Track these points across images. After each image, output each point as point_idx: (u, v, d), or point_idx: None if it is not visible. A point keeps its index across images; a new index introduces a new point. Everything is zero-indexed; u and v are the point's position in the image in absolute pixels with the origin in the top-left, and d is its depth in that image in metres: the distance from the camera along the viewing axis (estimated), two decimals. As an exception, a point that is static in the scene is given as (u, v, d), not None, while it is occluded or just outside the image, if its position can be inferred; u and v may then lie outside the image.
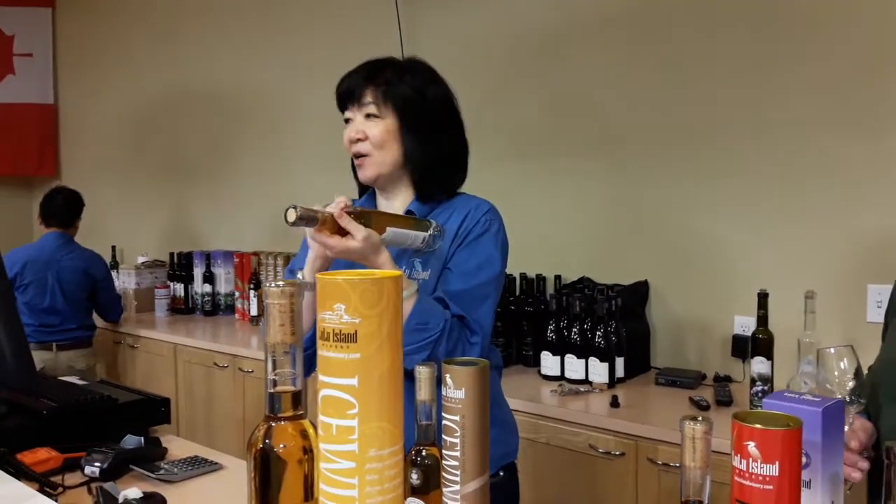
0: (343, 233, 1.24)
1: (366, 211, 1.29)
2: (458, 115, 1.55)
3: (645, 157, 2.60)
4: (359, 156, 1.45)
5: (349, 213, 1.24)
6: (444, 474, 0.79)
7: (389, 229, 1.29)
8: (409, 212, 1.48)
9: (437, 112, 1.48)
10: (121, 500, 1.27)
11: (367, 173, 1.45)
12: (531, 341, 2.59)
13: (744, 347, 2.30)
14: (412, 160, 1.45)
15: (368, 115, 1.43)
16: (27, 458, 1.45)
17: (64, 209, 3.62)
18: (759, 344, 2.03)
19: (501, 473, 1.52)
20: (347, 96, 1.46)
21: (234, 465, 1.55)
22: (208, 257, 3.84)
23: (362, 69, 1.47)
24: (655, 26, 2.56)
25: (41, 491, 1.32)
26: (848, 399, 1.13)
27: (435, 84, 1.49)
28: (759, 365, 2.02)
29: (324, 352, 0.67)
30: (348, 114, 1.47)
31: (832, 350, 1.15)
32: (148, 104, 4.51)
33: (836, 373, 1.13)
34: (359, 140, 1.43)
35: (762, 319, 2.04)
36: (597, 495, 2.05)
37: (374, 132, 1.43)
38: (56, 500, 1.31)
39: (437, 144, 1.47)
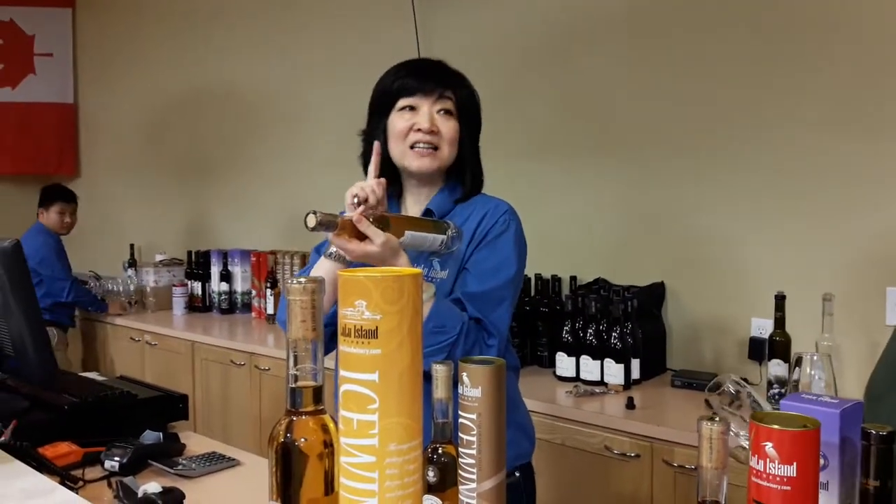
0: (362, 237, 1.25)
1: (384, 215, 1.30)
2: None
3: (661, 157, 2.59)
4: (426, 144, 1.45)
5: (368, 218, 1.25)
6: (460, 472, 0.79)
7: (408, 233, 1.30)
8: (428, 211, 1.49)
9: (479, 125, 1.57)
10: (140, 495, 1.29)
11: (430, 164, 1.46)
12: (546, 342, 2.59)
13: (761, 350, 2.29)
14: (464, 162, 1.51)
15: (442, 111, 1.46)
16: (49, 451, 1.47)
17: None
18: (776, 346, 2.02)
19: (517, 474, 1.52)
20: (424, 88, 1.46)
21: (251, 462, 1.56)
22: (225, 256, 3.87)
23: (435, 68, 1.50)
24: (670, 26, 2.55)
25: (62, 484, 1.34)
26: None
27: (478, 101, 1.57)
28: (776, 367, 2.01)
29: (345, 347, 0.68)
30: (413, 101, 1.46)
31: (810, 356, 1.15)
32: (166, 103, 4.55)
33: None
34: (432, 132, 1.45)
35: (779, 322, 2.04)
36: (612, 497, 2.05)
37: (449, 128, 1.46)
38: (77, 493, 1.33)
39: (477, 153, 1.56)
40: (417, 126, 1.44)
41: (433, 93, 1.45)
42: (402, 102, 1.47)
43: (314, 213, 1.17)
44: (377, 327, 0.66)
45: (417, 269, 0.70)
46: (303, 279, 0.70)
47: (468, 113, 1.51)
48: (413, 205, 1.53)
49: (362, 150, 1.54)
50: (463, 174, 1.52)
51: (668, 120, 2.57)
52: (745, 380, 2.33)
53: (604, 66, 2.72)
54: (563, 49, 2.82)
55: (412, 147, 1.45)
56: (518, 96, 2.94)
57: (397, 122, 1.46)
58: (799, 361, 1.20)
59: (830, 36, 2.24)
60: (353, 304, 0.66)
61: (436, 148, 1.45)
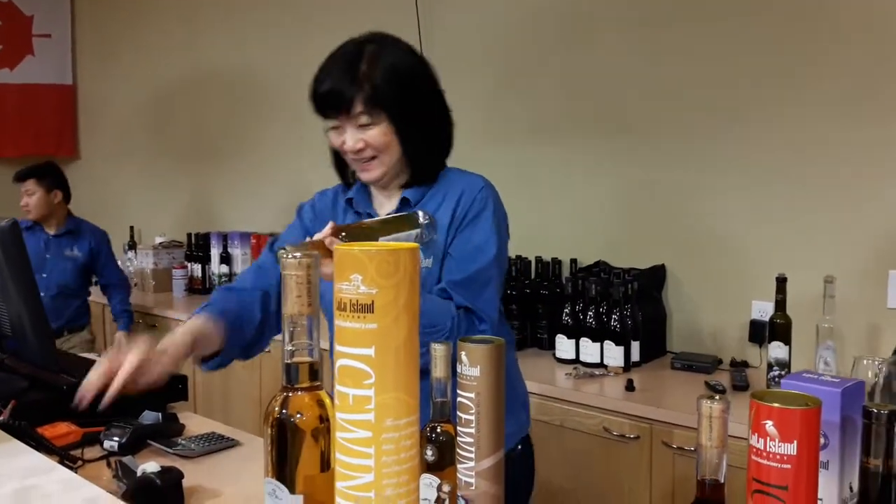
0: None
1: (352, 227, 1.28)
2: (436, 86, 1.49)
3: (662, 141, 2.57)
4: (364, 160, 1.41)
5: (339, 236, 1.22)
6: (458, 451, 0.79)
7: (382, 239, 1.27)
8: (404, 199, 1.45)
9: (422, 98, 1.43)
10: (139, 474, 1.29)
11: (373, 175, 1.42)
12: (546, 324, 2.58)
13: (761, 332, 2.29)
14: (413, 155, 1.43)
15: (361, 126, 1.38)
16: (48, 431, 1.47)
17: None
18: (776, 329, 2.02)
19: (519, 447, 1.53)
20: (331, 105, 1.39)
21: (251, 442, 1.56)
22: (225, 238, 3.86)
23: (337, 69, 1.39)
24: (674, 9, 2.52)
25: (61, 464, 1.34)
26: None
27: (410, 64, 1.43)
28: (776, 350, 2.01)
29: (341, 322, 0.67)
30: (335, 122, 1.40)
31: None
32: (166, 85, 4.52)
33: None
34: (360, 150, 1.39)
35: (780, 304, 2.03)
36: (611, 478, 2.05)
37: (374, 137, 1.38)
38: (76, 473, 1.33)
39: (430, 129, 1.45)
40: (345, 148, 1.40)
41: (347, 110, 1.37)
42: (326, 121, 1.43)
43: (283, 249, 1.14)
44: (373, 301, 0.65)
45: (414, 244, 0.69)
46: (298, 254, 0.70)
47: (391, 101, 1.37)
48: (386, 199, 1.51)
49: (329, 145, 1.49)
50: (414, 164, 1.45)
51: (671, 103, 2.55)
52: (745, 362, 2.34)
53: (607, 50, 2.70)
54: (567, 33, 2.80)
55: (352, 162, 1.44)
56: (521, 80, 2.92)
57: (331, 138, 1.43)
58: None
59: (837, 20, 2.21)
60: (349, 279, 0.65)
61: (374, 157, 1.40)
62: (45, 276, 3.42)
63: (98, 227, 3.69)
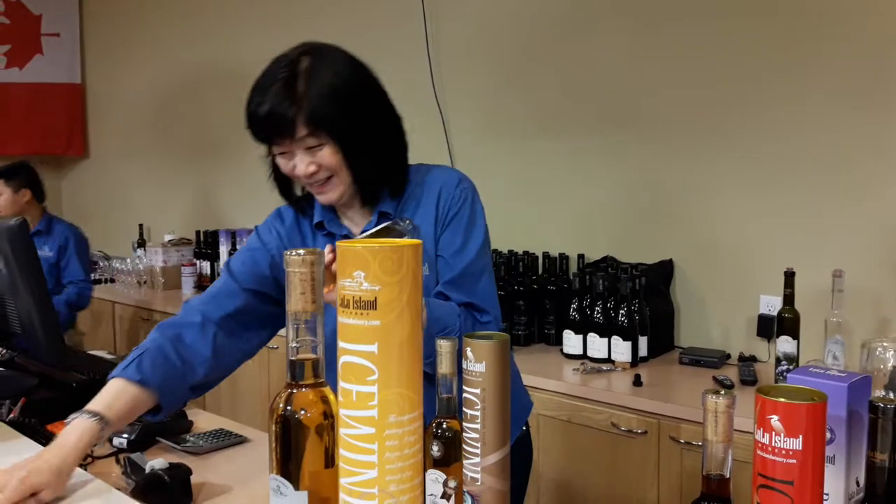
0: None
1: None
2: (379, 92, 1.39)
3: (669, 135, 2.56)
4: (319, 183, 1.34)
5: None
6: (464, 447, 0.79)
7: None
8: (382, 213, 1.40)
9: (365, 112, 1.33)
10: (148, 470, 1.30)
11: (333, 196, 1.35)
12: (554, 320, 2.58)
13: (769, 327, 2.28)
14: (362, 178, 1.35)
15: (309, 148, 1.30)
16: (57, 428, 1.48)
17: None
18: (785, 323, 2.01)
19: (525, 427, 1.54)
20: (274, 131, 1.30)
21: (259, 438, 1.57)
22: (233, 235, 3.87)
23: (274, 90, 1.29)
24: (681, 6, 2.51)
25: (71, 460, 1.34)
26: None
27: (348, 78, 1.33)
28: (784, 344, 2.00)
29: (344, 319, 0.67)
30: (279, 148, 1.33)
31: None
32: (174, 83, 4.53)
33: None
34: (313, 173, 1.32)
35: (788, 298, 2.02)
36: (618, 473, 2.05)
37: (325, 159, 1.31)
38: (85, 469, 1.34)
39: (378, 144, 1.36)
40: (297, 173, 1.33)
41: (291, 135, 1.29)
42: (272, 149, 1.35)
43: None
44: (376, 298, 0.66)
45: (417, 241, 0.69)
46: (302, 251, 0.70)
47: (336, 119, 1.29)
48: (357, 215, 1.44)
49: (270, 173, 1.44)
50: (373, 180, 1.37)
51: (677, 97, 2.54)
52: (754, 357, 2.33)
53: (612, 45, 2.69)
54: (571, 28, 2.79)
55: (308, 187, 1.37)
56: (527, 76, 2.91)
57: (280, 163, 1.35)
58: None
59: (844, 14, 2.20)
60: (352, 276, 0.65)
61: (329, 178, 1.34)
62: None
63: (73, 225, 3.66)
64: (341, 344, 0.67)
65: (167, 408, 1.34)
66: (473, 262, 1.37)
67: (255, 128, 1.33)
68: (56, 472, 1.13)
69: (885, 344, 1.06)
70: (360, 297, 0.66)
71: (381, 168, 1.37)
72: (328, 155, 1.31)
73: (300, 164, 1.31)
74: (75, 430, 1.18)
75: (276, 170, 1.41)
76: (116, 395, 1.26)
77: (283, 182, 1.44)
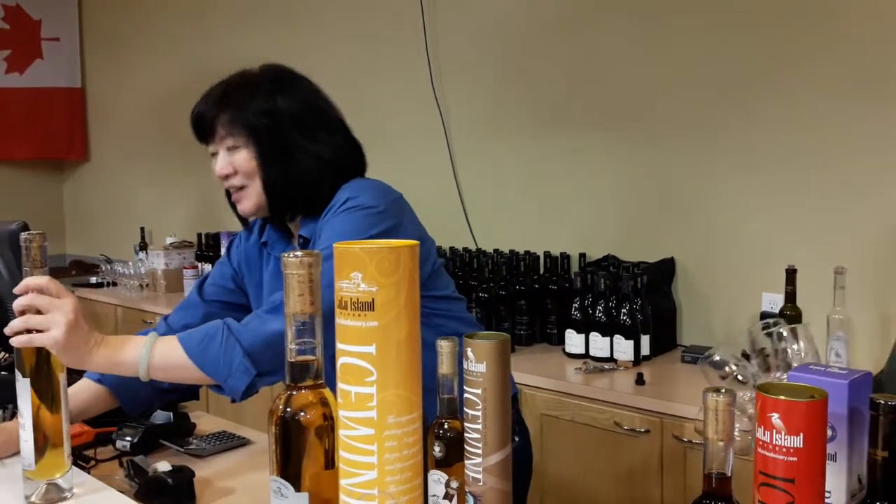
0: None
1: None
2: (325, 119, 1.40)
3: (670, 133, 2.56)
4: (233, 189, 1.37)
5: None
6: (466, 447, 0.79)
7: None
8: (301, 237, 1.39)
9: (291, 128, 1.34)
10: (151, 473, 1.30)
11: (245, 206, 1.36)
12: (555, 319, 2.58)
13: (772, 325, 2.27)
14: (271, 186, 1.34)
15: (229, 148, 1.35)
16: (59, 431, 1.48)
17: None
18: (787, 321, 2.00)
19: (517, 438, 1.52)
20: (200, 129, 1.37)
21: (262, 440, 1.57)
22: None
23: (208, 98, 1.38)
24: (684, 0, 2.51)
25: (74, 464, 1.34)
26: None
27: (288, 95, 1.37)
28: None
29: (341, 320, 0.67)
30: (212, 148, 1.39)
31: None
32: (175, 86, 4.54)
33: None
34: (228, 175, 1.35)
35: (790, 296, 2.02)
36: (622, 472, 2.05)
37: (240, 163, 1.34)
38: (89, 473, 1.34)
39: (292, 164, 1.34)
40: (218, 174, 1.38)
41: (212, 132, 1.35)
42: (209, 150, 1.41)
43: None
44: (373, 299, 0.66)
45: (415, 241, 0.69)
46: (300, 253, 0.70)
47: (254, 125, 1.33)
48: (294, 232, 1.45)
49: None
50: (272, 196, 1.35)
51: (678, 95, 2.53)
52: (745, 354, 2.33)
53: (612, 41, 2.68)
54: (571, 23, 2.79)
55: (228, 196, 1.40)
56: (527, 72, 2.91)
57: (213, 166, 1.41)
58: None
59: (847, 9, 2.19)
60: (349, 277, 0.65)
61: (244, 186, 1.36)
62: None
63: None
64: (339, 345, 0.67)
65: (127, 405, 1.44)
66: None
67: (194, 116, 1.41)
68: None
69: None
70: (358, 299, 0.66)
71: (294, 183, 1.34)
72: (243, 159, 1.34)
73: (219, 164, 1.37)
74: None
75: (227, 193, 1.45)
76: (76, 391, 1.40)
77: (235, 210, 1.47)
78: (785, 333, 1.06)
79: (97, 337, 1.21)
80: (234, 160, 1.35)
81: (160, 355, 1.22)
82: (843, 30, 2.19)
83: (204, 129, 1.37)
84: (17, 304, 1.14)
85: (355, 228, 1.26)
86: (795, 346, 1.07)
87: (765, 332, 1.07)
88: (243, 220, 1.49)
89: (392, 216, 1.31)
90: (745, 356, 1.07)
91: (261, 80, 1.38)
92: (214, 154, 1.39)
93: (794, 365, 1.04)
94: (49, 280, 1.15)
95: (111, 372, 1.26)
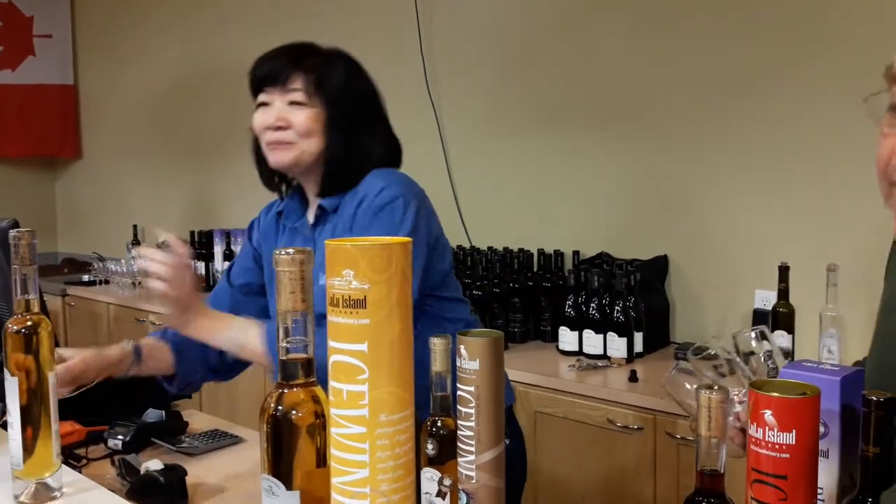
0: None
1: None
2: (382, 112, 1.47)
3: (664, 131, 2.56)
4: (278, 142, 1.38)
5: None
6: (459, 444, 0.79)
7: None
8: (321, 207, 1.42)
9: (362, 106, 1.41)
10: (142, 472, 1.29)
11: (284, 157, 1.37)
12: (549, 317, 2.58)
13: (764, 321, 2.28)
14: (331, 154, 1.38)
15: (293, 103, 1.36)
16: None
17: None
18: (780, 318, 2.01)
19: (507, 441, 1.51)
20: (268, 79, 1.38)
21: (254, 439, 1.56)
22: (228, 235, 3.86)
23: (285, 52, 1.40)
24: (678, 0, 2.51)
25: (66, 463, 1.34)
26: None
27: (363, 78, 1.44)
28: (779, 339, 2.00)
29: (333, 318, 0.67)
30: (265, 97, 1.39)
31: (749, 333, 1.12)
32: (167, 82, 4.52)
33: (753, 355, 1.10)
34: (280, 128, 1.36)
35: (783, 293, 2.02)
36: (615, 469, 2.05)
37: (300, 120, 1.35)
38: (80, 472, 1.34)
39: (357, 139, 1.40)
40: (266, 123, 1.37)
41: (278, 83, 1.36)
42: (258, 98, 1.41)
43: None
44: (365, 297, 0.65)
45: (407, 238, 0.69)
46: (291, 250, 0.69)
47: (334, 94, 1.37)
48: (313, 205, 1.47)
49: (252, 146, 1.50)
50: (327, 164, 1.39)
51: (672, 93, 2.54)
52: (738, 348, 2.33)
53: (607, 40, 2.68)
54: (567, 24, 2.79)
55: (267, 144, 1.40)
56: (521, 71, 2.91)
57: (255, 119, 1.42)
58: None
59: (843, 9, 2.20)
60: (341, 274, 0.65)
61: (291, 142, 1.37)
62: None
63: None
64: (331, 343, 0.67)
65: (182, 374, 1.51)
66: None
67: (255, 74, 1.41)
68: (81, 354, 1.40)
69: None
70: (350, 296, 0.65)
71: (351, 157, 1.39)
72: (306, 117, 1.35)
73: (273, 113, 1.36)
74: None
75: (255, 152, 1.48)
76: (149, 342, 1.52)
77: (266, 170, 1.49)
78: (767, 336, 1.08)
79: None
80: (294, 116, 1.36)
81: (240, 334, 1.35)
82: (840, 29, 2.20)
83: (272, 78, 1.37)
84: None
85: (390, 227, 1.33)
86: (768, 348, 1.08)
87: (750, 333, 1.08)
88: (267, 175, 1.51)
89: (420, 215, 1.37)
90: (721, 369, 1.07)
91: (337, 54, 1.43)
92: (263, 104, 1.40)
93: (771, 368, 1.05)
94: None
95: (212, 339, 1.37)
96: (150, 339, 1.53)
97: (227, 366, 1.53)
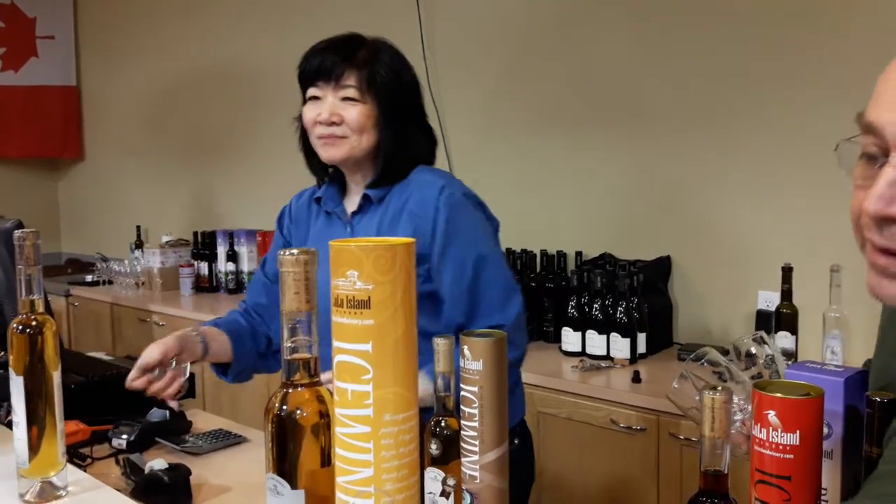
0: None
1: None
2: (422, 102, 1.51)
3: (667, 131, 2.56)
4: (330, 136, 1.40)
5: None
6: (463, 444, 0.79)
7: None
8: (365, 196, 1.45)
9: (410, 100, 1.45)
10: (147, 471, 1.30)
11: (337, 153, 1.40)
12: (552, 317, 2.58)
13: (767, 323, 2.28)
14: (384, 149, 1.41)
15: (346, 98, 1.38)
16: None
17: None
18: (783, 319, 2.01)
19: (516, 441, 1.52)
20: (321, 74, 1.39)
21: (258, 438, 1.57)
22: (231, 236, 3.87)
23: (337, 47, 1.41)
24: (679, 0, 2.51)
25: (70, 462, 1.34)
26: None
27: (408, 69, 1.46)
28: (783, 340, 2.00)
29: (338, 318, 0.67)
30: (317, 91, 1.41)
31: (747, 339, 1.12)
32: (170, 84, 4.53)
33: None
34: (333, 123, 1.38)
35: (786, 294, 2.02)
36: (618, 470, 2.05)
37: (353, 116, 1.38)
38: (85, 471, 1.34)
39: (406, 133, 1.44)
40: (319, 118, 1.39)
41: (331, 78, 1.38)
42: (308, 92, 1.43)
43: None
44: (369, 297, 0.66)
45: (411, 239, 0.69)
46: (295, 251, 0.70)
47: (384, 89, 1.40)
48: (355, 193, 1.50)
49: (298, 136, 1.52)
50: (379, 158, 1.43)
51: (675, 94, 2.54)
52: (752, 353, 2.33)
53: (609, 41, 2.68)
54: (569, 23, 2.79)
55: (319, 138, 1.41)
56: (524, 73, 2.91)
57: (305, 113, 1.44)
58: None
59: (844, 10, 2.19)
60: (345, 275, 0.65)
61: (343, 136, 1.39)
62: None
63: None
64: (336, 343, 0.67)
65: (238, 360, 1.55)
66: (483, 282, 1.38)
67: (308, 62, 1.42)
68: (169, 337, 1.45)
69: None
70: (354, 297, 0.66)
71: (402, 149, 1.43)
72: (358, 114, 1.38)
73: (327, 108, 1.38)
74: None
75: (303, 135, 1.50)
76: (207, 329, 1.54)
77: (313, 158, 1.50)
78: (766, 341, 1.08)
79: None
80: (347, 112, 1.38)
81: None
82: (843, 29, 2.20)
83: (325, 73, 1.39)
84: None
85: (482, 222, 1.43)
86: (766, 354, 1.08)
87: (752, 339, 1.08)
88: (320, 169, 1.53)
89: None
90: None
91: (384, 47, 1.44)
92: (313, 98, 1.42)
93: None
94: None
95: None
96: (205, 327, 1.55)
97: (272, 351, 1.60)
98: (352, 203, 1.50)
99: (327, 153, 1.41)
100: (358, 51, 1.40)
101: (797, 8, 2.27)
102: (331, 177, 1.53)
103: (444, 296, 1.40)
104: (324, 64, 1.38)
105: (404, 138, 1.43)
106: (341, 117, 1.38)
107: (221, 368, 1.57)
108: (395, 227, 1.41)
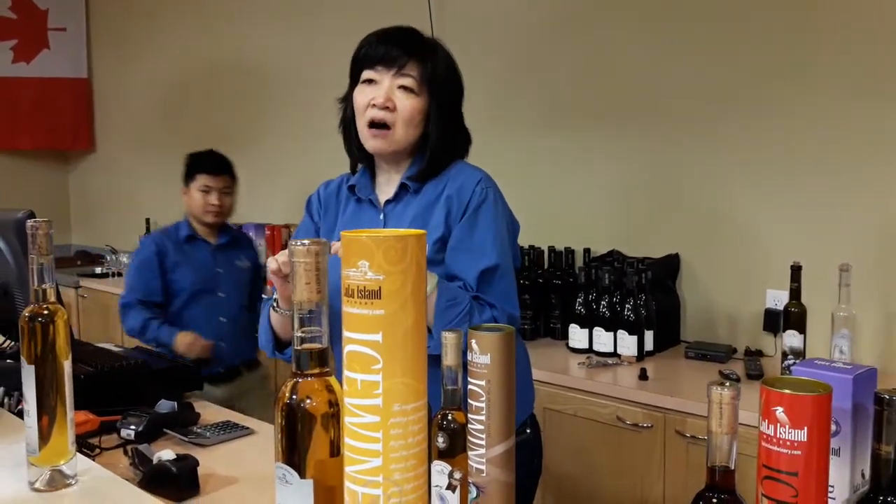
0: None
1: None
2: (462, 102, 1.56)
3: (676, 129, 2.55)
4: (379, 125, 1.40)
5: None
6: (469, 438, 0.80)
7: None
8: (403, 185, 1.47)
9: (458, 98, 1.50)
10: (155, 461, 1.30)
11: (383, 145, 1.42)
12: (559, 314, 2.58)
13: (776, 321, 2.27)
14: (433, 142, 1.44)
15: (403, 87, 1.40)
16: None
17: None
18: (791, 317, 2.00)
19: (528, 431, 1.53)
20: (384, 60, 1.40)
21: (265, 430, 1.58)
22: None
23: (400, 37, 1.43)
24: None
25: (79, 451, 1.36)
26: None
27: (457, 71, 1.50)
28: (791, 339, 1.99)
29: (348, 308, 0.67)
30: (374, 75, 1.41)
31: None
32: (180, 76, 4.54)
33: None
34: (386, 108, 1.39)
35: (795, 293, 2.01)
36: (624, 467, 2.05)
37: (407, 106, 1.40)
38: (94, 460, 1.35)
39: (451, 128, 1.48)
40: (374, 101, 1.40)
41: (393, 66, 1.39)
42: (364, 74, 1.43)
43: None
44: (380, 288, 0.66)
45: (422, 230, 0.69)
46: (307, 241, 0.70)
47: (439, 85, 1.43)
48: (385, 182, 1.52)
49: (340, 117, 1.53)
50: (424, 150, 1.45)
51: (684, 91, 2.53)
52: (760, 351, 2.32)
53: (619, 38, 2.68)
54: (579, 20, 2.78)
55: (369, 126, 1.41)
56: (533, 69, 2.91)
57: (358, 95, 1.44)
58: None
59: (855, 6, 2.18)
60: (356, 265, 0.66)
61: (389, 127, 1.40)
62: (222, 295, 2.65)
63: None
64: (346, 333, 0.68)
65: (287, 337, 1.51)
66: (494, 266, 1.39)
67: (370, 48, 1.42)
68: None
69: None
70: (365, 287, 0.66)
71: (448, 145, 1.46)
72: (411, 106, 1.40)
73: (380, 95, 1.39)
74: None
75: (343, 118, 1.51)
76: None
77: (352, 144, 1.51)
78: None
79: None
80: (401, 101, 1.40)
81: None
82: (850, 31, 2.18)
83: (389, 60, 1.40)
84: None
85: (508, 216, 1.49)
86: None
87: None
88: (357, 151, 1.52)
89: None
90: None
91: (439, 46, 1.48)
92: (368, 81, 1.42)
93: None
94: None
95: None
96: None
97: None
98: (384, 192, 1.51)
99: (374, 144, 1.43)
100: (420, 44, 1.43)
101: (809, 11, 2.25)
102: (365, 164, 1.55)
103: (451, 267, 1.42)
104: (389, 52, 1.40)
105: (450, 134, 1.47)
106: (395, 104, 1.40)
107: (281, 345, 1.54)
108: (429, 215, 1.43)
